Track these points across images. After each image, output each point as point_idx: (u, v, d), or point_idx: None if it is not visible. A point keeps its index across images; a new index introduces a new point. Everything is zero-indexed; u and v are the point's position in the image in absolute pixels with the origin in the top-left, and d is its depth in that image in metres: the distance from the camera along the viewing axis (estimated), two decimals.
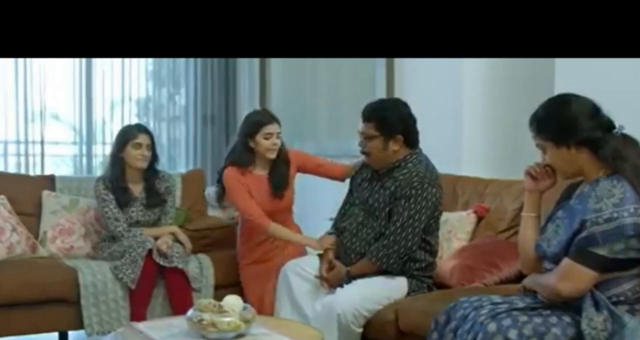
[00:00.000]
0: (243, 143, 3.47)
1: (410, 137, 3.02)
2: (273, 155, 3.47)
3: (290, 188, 3.57)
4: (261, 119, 3.48)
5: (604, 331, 1.98)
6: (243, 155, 3.47)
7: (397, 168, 3.00)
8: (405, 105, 3.09)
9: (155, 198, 3.74)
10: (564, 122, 2.15)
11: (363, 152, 3.07)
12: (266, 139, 3.43)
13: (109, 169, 3.72)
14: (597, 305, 2.02)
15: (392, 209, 2.96)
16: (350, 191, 3.25)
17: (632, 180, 2.04)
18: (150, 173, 3.75)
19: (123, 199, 3.66)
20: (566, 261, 2.07)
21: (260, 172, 3.51)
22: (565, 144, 2.15)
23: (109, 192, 3.63)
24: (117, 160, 3.68)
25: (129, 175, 3.71)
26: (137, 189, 3.73)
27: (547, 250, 2.21)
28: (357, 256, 3.02)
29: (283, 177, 3.51)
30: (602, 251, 2.00)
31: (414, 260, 2.98)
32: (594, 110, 2.16)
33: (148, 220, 3.73)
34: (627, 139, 2.14)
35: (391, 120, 2.97)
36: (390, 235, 2.92)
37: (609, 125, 2.15)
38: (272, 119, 3.49)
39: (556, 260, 2.14)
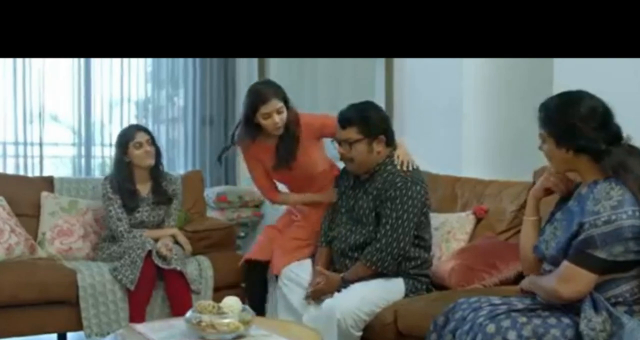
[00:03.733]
0: (246, 118, 3.21)
1: (390, 136, 3.03)
2: (278, 133, 3.21)
3: (308, 157, 3.30)
4: (258, 96, 3.14)
5: (603, 332, 1.97)
6: (247, 130, 3.22)
7: (378, 172, 3.00)
8: (378, 105, 3.13)
9: (162, 196, 3.75)
10: (568, 126, 2.10)
11: (346, 159, 3.02)
12: (265, 118, 3.15)
13: (115, 172, 3.72)
14: (595, 307, 2.01)
15: (378, 212, 2.95)
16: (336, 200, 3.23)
17: (634, 192, 2.00)
18: (157, 171, 3.76)
19: (132, 203, 3.66)
20: (565, 264, 2.06)
21: (269, 143, 3.27)
22: (565, 146, 2.12)
23: (115, 192, 3.64)
24: (123, 163, 3.69)
25: (137, 176, 3.72)
26: (144, 188, 3.74)
27: (545, 253, 2.20)
28: (351, 261, 3.01)
29: (289, 150, 3.23)
30: (600, 254, 1.99)
31: (409, 259, 2.97)
32: (604, 119, 2.09)
33: (152, 221, 3.74)
34: (632, 149, 2.09)
35: (373, 120, 2.98)
36: (382, 238, 2.90)
37: (615, 137, 2.10)
38: (270, 95, 3.13)
39: (554, 262, 2.13)
